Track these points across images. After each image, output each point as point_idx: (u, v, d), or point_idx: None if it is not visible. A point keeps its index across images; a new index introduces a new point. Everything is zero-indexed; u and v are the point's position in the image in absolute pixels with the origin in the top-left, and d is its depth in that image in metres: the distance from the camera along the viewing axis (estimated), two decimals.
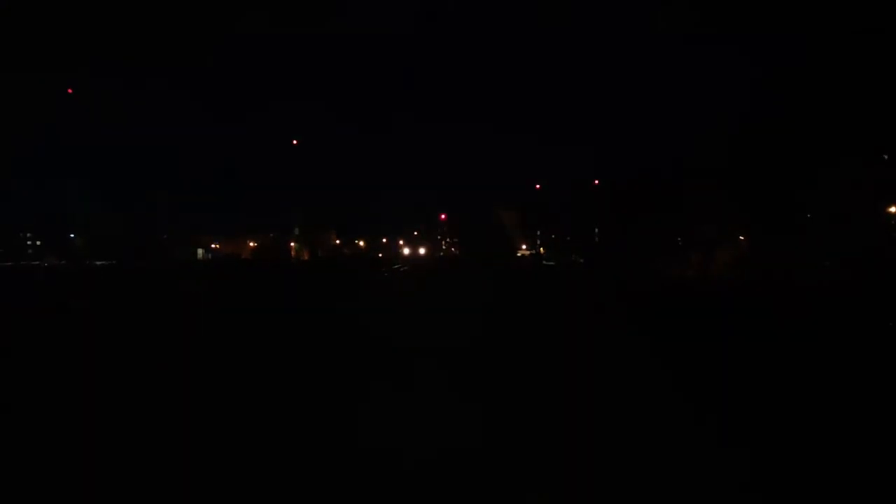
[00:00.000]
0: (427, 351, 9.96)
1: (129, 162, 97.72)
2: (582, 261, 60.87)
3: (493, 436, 5.71)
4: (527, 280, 30.94)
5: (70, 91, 77.27)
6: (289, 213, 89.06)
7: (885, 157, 30.89)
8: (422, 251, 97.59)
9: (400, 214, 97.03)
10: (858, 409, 6.60)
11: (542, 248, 77.90)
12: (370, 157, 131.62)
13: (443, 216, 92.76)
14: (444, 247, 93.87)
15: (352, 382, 7.95)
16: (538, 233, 79.22)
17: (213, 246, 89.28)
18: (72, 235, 77.37)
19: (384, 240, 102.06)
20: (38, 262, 72.11)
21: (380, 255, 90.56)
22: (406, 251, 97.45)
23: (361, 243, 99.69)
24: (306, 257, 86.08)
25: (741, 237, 40.11)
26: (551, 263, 62.54)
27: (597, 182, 68.45)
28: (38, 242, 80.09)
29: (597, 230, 65.66)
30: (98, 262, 65.76)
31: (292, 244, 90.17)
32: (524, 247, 79.45)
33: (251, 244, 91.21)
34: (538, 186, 79.38)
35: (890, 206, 31.71)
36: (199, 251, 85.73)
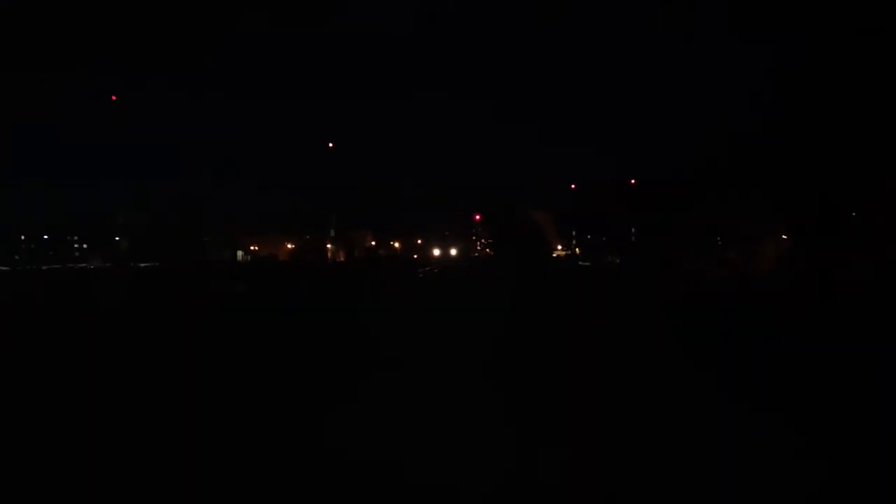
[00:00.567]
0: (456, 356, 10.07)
1: (169, 163, 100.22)
2: (618, 261, 60.21)
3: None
4: (561, 284, 30.83)
5: (114, 98, 79.62)
6: (325, 215, 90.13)
7: None
8: (453, 252, 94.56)
9: (435, 215, 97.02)
10: None
11: (577, 249, 77.26)
12: (406, 157, 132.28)
13: (477, 217, 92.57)
14: (478, 247, 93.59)
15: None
16: (573, 233, 78.56)
17: (252, 248, 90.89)
18: (116, 238, 79.53)
19: (419, 241, 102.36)
20: (84, 265, 74.45)
21: (415, 255, 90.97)
22: (436, 252, 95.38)
23: (397, 244, 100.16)
24: (342, 258, 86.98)
25: (784, 236, 39.25)
26: (587, 264, 62.06)
27: (633, 181, 67.75)
28: (85, 245, 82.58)
29: (633, 230, 64.91)
30: (142, 264, 67.52)
31: (328, 245, 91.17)
32: (560, 247, 78.85)
33: (288, 245, 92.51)
34: (573, 186, 78.77)
35: None
36: (239, 253, 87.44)
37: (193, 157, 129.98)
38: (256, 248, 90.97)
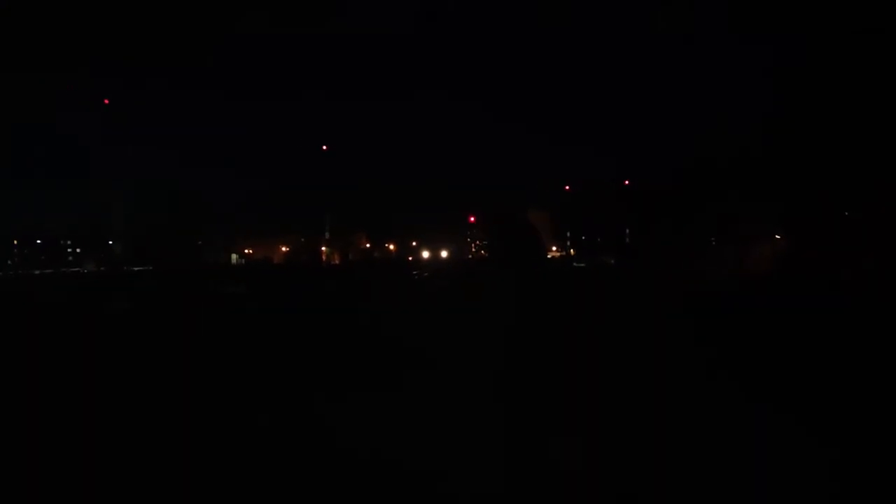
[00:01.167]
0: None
1: (162, 168, 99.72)
2: (612, 262, 60.42)
3: None
4: (556, 286, 30.73)
5: (106, 102, 79.24)
6: (319, 217, 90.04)
7: None
8: (444, 254, 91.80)
9: (429, 217, 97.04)
10: None
11: (572, 250, 77.47)
12: (402, 158, 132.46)
13: (472, 218, 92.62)
14: (473, 249, 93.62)
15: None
16: (568, 234, 78.81)
17: (246, 251, 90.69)
18: (110, 242, 79.19)
19: (414, 242, 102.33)
20: (77, 269, 74.02)
21: (409, 257, 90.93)
22: (426, 254, 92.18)
23: (391, 246, 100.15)
24: (336, 260, 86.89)
25: (777, 236, 39.51)
26: (581, 265, 62.22)
27: (627, 182, 68.04)
28: (78, 250, 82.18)
29: (627, 231, 65.20)
30: (135, 268, 67.22)
31: (323, 248, 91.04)
32: (554, 248, 79.08)
33: (283, 248, 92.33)
34: (567, 188, 79.08)
35: None
36: (234, 256, 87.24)
37: (187, 160, 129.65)
38: (251, 251, 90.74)
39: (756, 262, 33.73)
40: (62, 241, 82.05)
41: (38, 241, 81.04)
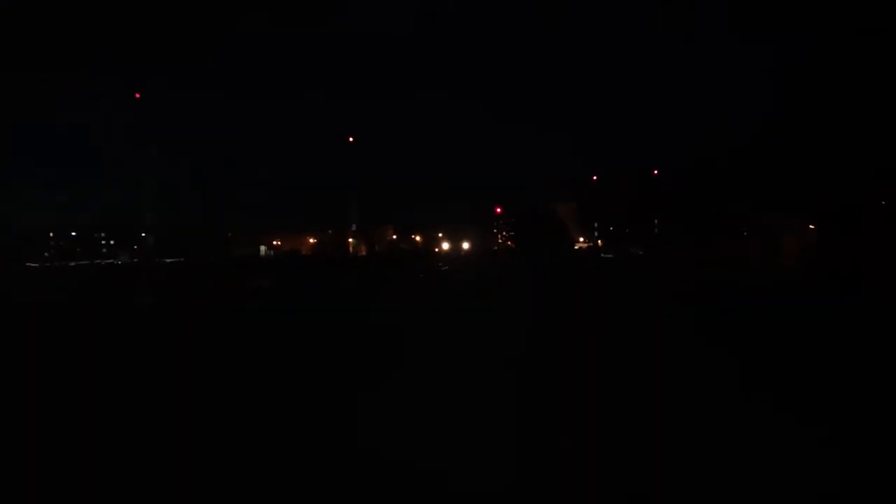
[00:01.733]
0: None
1: (193, 161, 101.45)
2: (641, 253, 59.73)
3: None
4: (585, 278, 30.43)
5: (137, 95, 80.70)
6: (347, 210, 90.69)
7: None
8: (465, 246, 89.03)
9: (456, 208, 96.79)
10: None
11: (599, 241, 76.80)
12: (429, 153, 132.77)
13: (498, 210, 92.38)
14: (500, 241, 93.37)
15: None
16: (595, 225, 78.10)
17: (274, 243, 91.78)
18: (143, 234, 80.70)
19: (440, 234, 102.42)
20: (111, 261, 75.70)
21: (436, 248, 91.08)
22: (446, 246, 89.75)
23: (418, 238, 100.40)
24: (363, 252, 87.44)
25: (811, 226, 38.65)
26: (609, 256, 61.62)
27: (655, 172, 67.17)
28: (112, 242, 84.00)
29: (656, 221, 64.37)
30: (167, 260, 68.45)
31: (350, 240, 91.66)
32: (581, 239, 78.47)
33: (311, 240, 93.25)
34: (595, 178, 78.29)
35: None
36: (262, 248, 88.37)
37: (217, 155, 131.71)
38: (279, 242, 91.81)
39: (787, 255, 33.12)
40: (96, 234, 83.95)
41: (73, 234, 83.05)
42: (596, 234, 78.52)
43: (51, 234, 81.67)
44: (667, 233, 57.19)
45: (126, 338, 12.51)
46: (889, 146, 29.50)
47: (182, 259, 68.44)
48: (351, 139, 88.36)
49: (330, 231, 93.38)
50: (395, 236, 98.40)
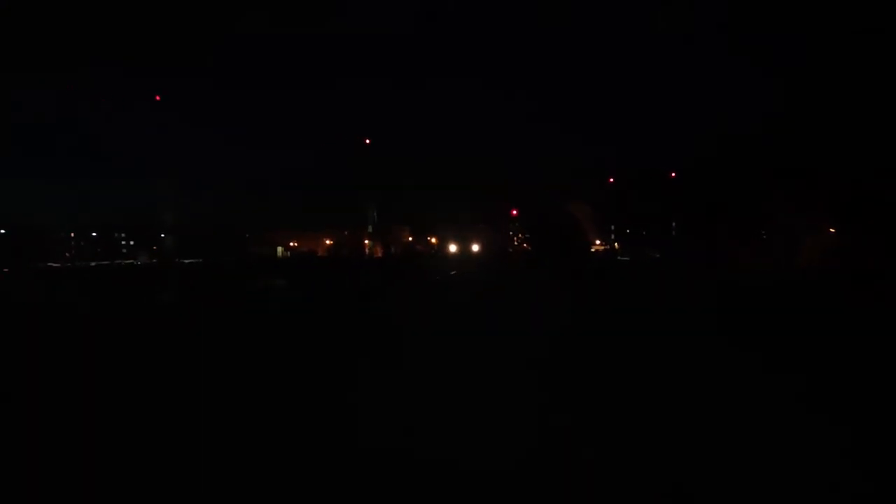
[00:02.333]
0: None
1: (211, 163, 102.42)
2: (657, 255, 59.43)
3: None
4: (605, 279, 30.17)
5: (158, 98, 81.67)
6: (364, 211, 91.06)
7: None
8: (475, 248, 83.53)
9: (472, 211, 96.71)
10: None
11: (616, 243, 76.47)
12: (444, 153, 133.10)
13: (514, 212, 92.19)
14: (515, 242, 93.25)
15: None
16: (612, 227, 77.78)
17: (291, 244, 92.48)
18: (162, 235, 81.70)
19: (455, 235, 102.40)
20: (131, 261, 76.69)
21: (431, 248, 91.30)
22: (453, 248, 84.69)
23: (433, 240, 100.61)
24: (379, 254, 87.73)
25: (831, 229, 38.27)
26: (626, 259, 61.34)
27: (673, 175, 66.80)
28: (132, 242, 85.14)
29: (673, 224, 64.01)
30: (186, 261, 69.25)
31: (366, 241, 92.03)
32: (598, 242, 78.14)
33: (327, 241, 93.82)
34: (611, 180, 77.96)
35: None
36: (279, 249, 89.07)
37: (232, 155, 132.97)
38: (296, 243, 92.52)
39: (805, 254, 32.76)
40: (116, 234, 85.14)
41: (94, 234, 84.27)
42: (612, 236, 78.21)
43: (72, 235, 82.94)
44: (684, 235, 56.86)
45: (148, 335, 12.71)
46: None
47: (200, 259, 69.21)
48: (367, 141, 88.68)
49: (346, 232, 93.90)
50: (410, 238, 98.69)
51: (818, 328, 11.40)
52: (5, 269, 54.48)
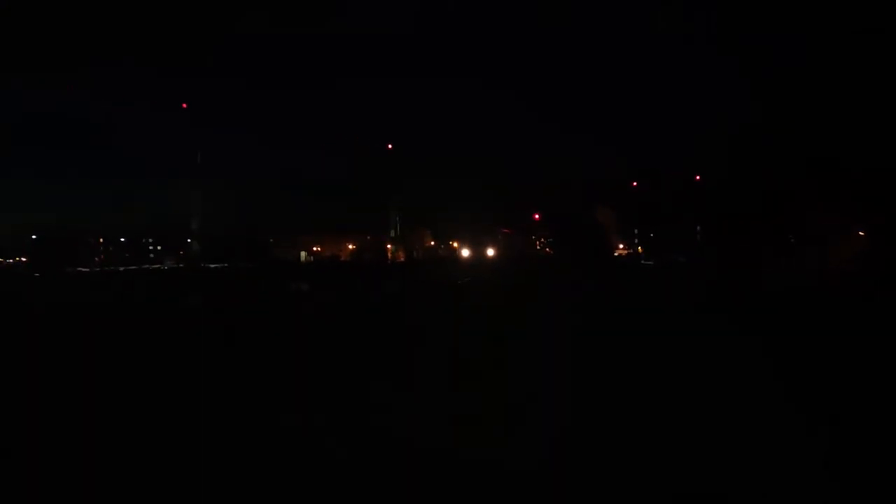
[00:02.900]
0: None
1: (233, 170, 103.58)
2: (683, 260, 58.81)
3: None
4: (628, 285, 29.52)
5: (185, 106, 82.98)
6: (387, 215, 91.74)
7: None
8: (490, 252, 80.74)
9: (495, 214, 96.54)
10: None
11: (640, 248, 75.87)
12: (468, 157, 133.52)
13: (536, 216, 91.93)
14: (538, 246, 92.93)
15: None
16: (636, 231, 77.25)
17: (314, 248, 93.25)
18: (188, 240, 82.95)
19: (477, 240, 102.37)
20: (158, 266, 77.91)
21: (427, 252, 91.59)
22: (466, 253, 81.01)
23: (455, 244, 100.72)
24: (401, 258, 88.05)
25: (861, 233, 37.58)
26: (650, 263, 60.73)
27: (698, 178, 66.14)
28: (159, 247, 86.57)
29: (699, 228, 63.37)
30: (211, 265, 70.17)
31: (388, 246, 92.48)
32: (621, 246, 77.63)
33: (350, 246, 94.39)
34: (635, 184, 77.49)
35: None
36: (303, 253, 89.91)
37: (257, 161, 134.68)
38: (319, 248, 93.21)
39: (834, 260, 32.12)
40: (144, 239, 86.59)
41: (122, 239, 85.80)
42: (636, 240, 77.63)
43: (101, 240, 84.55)
44: (711, 240, 56.21)
45: (177, 335, 12.93)
46: None
47: (225, 264, 70.08)
48: (390, 146, 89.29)
49: (369, 237, 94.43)
50: (432, 242, 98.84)
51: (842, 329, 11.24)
52: (37, 274, 55.70)
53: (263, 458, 5.36)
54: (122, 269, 71.81)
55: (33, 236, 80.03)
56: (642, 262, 65.74)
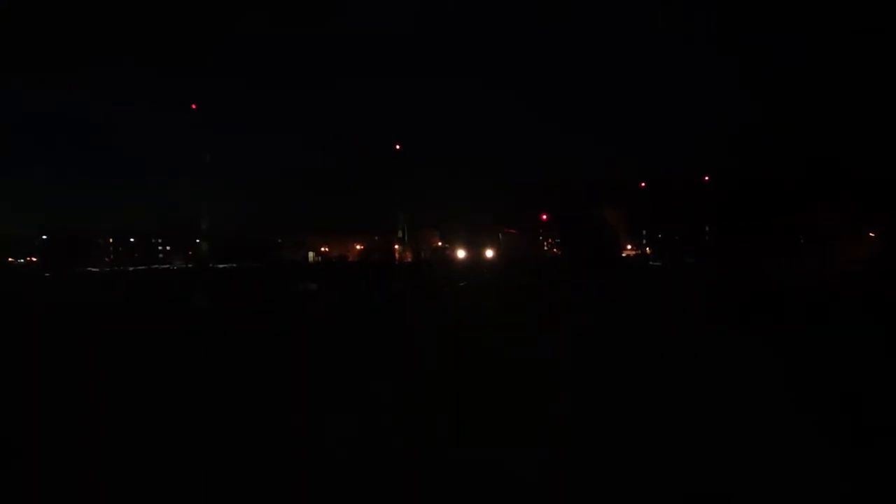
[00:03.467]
0: None
1: (244, 169, 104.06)
2: (691, 261, 58.56)
3: None
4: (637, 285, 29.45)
5: (194, 107, 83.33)
6: (395, 216, 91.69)
7: None
8: (489, 254, 77.25)
9: (502, 214, 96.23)
10: None
11: (648, 248, 75.62)
12: (475, 158, 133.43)
13: (544, 216, 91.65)
14: (545, 246, 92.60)
15: None
16: (644, 232, 76.95)
17: (322, 249, 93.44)
18: (197, 241, 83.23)
19: (484, 239, 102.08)
20: (167, 266, 78.30)
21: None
22: (461, 254, 77.93)
23: (444, 243, 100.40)
24: (409, 258, 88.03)
25: (871, 234, 37.35)
26: (657, 264, 60.51)
27: (707, 178, 65.90)
28: (168, 248, 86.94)
29: (707, 228, 63.15)
30: (220, 265, 70.41)
31: (396, 246, 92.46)
32: (629, 246, 77.34)
33: (357, 246, 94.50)
34: (643, 185, 77.18)
35: None
36: (311, 254, 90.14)
37: (257, 161, 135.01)
38: (327, 248, 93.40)
39: (842, 261, 31.88)
40: (153, 240, 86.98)
41: (132, 240, 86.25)
42: (644, 241, 77.35)
43: (110, 241, 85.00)
44: (720, 240, 55.99)
45: (186, 334, 13.06)
46: None
47: (234, 264, 70.33)
48: (398, 146, 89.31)
49: (376, 238, 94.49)
50: (440, 242, 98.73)
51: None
52: (47, 274, 56.11)
53: (265, 444, 5.52)
54: (131, 269, 72.26)
55: (43, 236, 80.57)
56: (650, 262, 65.52)
